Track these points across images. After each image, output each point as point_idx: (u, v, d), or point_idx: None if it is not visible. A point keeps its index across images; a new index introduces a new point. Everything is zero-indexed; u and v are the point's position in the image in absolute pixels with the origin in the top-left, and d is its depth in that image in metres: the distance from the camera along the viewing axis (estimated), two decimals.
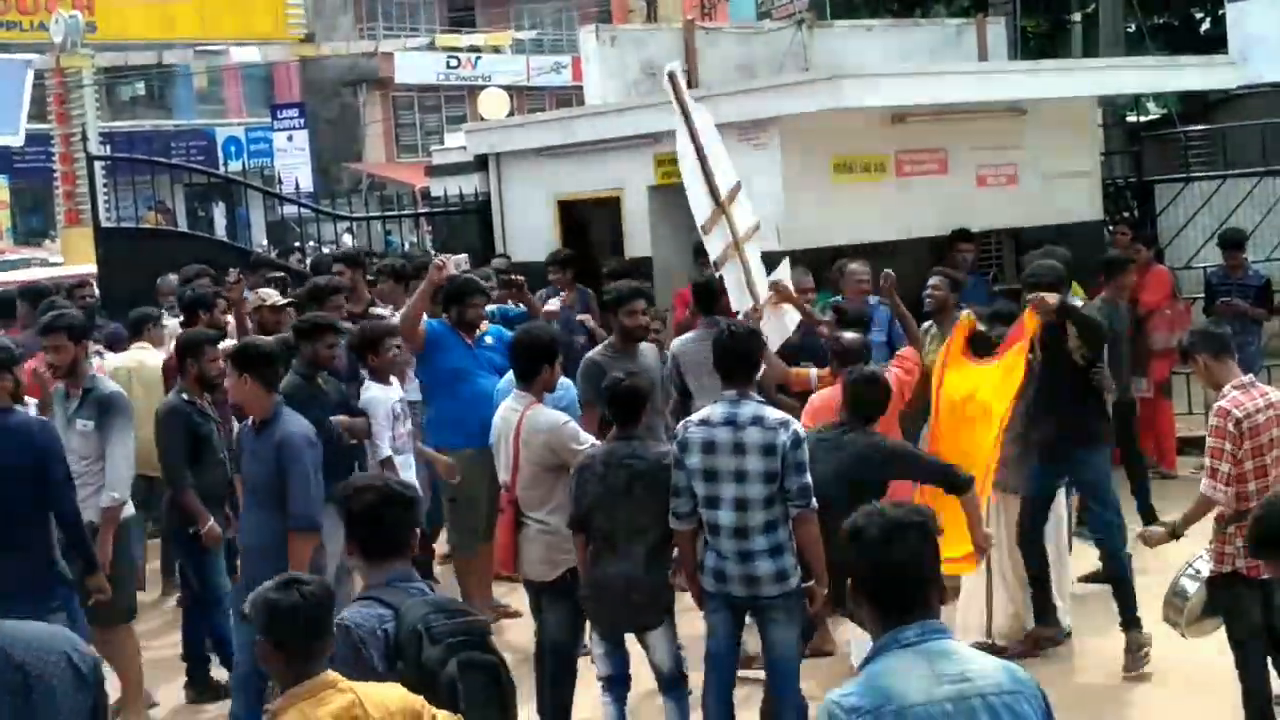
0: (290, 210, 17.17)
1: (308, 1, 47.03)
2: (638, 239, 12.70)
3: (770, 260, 9.46)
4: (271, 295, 10.10)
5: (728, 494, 6.47)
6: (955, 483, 7.10)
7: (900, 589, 3.56)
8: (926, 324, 9.54)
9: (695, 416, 6.71)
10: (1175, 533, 6.90)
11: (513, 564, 7.27)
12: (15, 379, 7.18)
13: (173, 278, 11.95)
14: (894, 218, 11.80)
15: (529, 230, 13.77)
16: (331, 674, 4.25)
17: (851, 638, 7.72)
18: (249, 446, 7.23)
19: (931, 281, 9.59)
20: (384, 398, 8.48)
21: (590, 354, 9.06)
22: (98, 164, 14.90)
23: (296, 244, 16.51)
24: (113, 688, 6.57)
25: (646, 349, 9.03)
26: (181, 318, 10.30)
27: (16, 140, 37.12)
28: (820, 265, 10.70)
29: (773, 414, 6.58)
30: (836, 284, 10.36)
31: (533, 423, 7.20)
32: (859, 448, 7.03)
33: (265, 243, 21.71)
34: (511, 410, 7.35)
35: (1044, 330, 8.03)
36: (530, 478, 7.19)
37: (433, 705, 4.43)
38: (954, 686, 3.44)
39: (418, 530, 5.13)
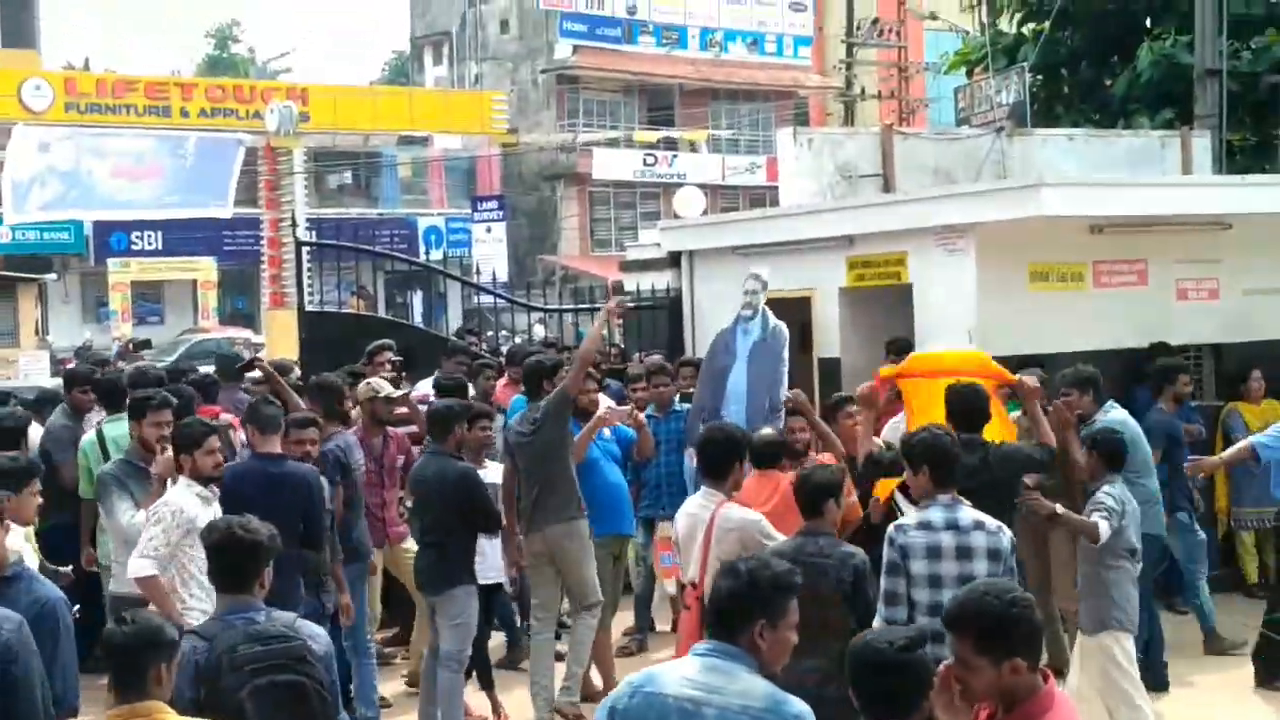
0: (486, 299, 17.49)
1: (511, 98, 48.15)
2: (827, 339, 12.70)
3: None
4: (384, 387, 10.20)
5: None
6: None
7: (713, 612, 4.45)
8: None
9: (910, 520, 6.63)
10: None
11: None
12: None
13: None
14: (1090, 328, 11.61)
15: (719, 326, 13.83)
16: (153, 704, 4.61)
17: None
18: None
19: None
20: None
21: None
22: (304, 249, 15.33)
23: (471, 329, 16.73)
24: None
25: None
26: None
27: (224, 213, 38.54)
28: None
29: (990, 519, 6.58)
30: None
31: (725, 520, 7.24)
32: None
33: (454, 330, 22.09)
34: (702, 507, 7.38)
35: None
36: None
37: None
38: (698, 693, 4.26)
39: (264, 569, 5.45)
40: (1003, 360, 10.46)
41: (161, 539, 7.31)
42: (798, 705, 4.27)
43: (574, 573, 9.26)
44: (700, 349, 13.85)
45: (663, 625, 11.34)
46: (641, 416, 10.38)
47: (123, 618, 4.85)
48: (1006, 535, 6.49)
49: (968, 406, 7.83)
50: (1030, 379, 8.62)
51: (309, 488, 8.06)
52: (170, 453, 8.14)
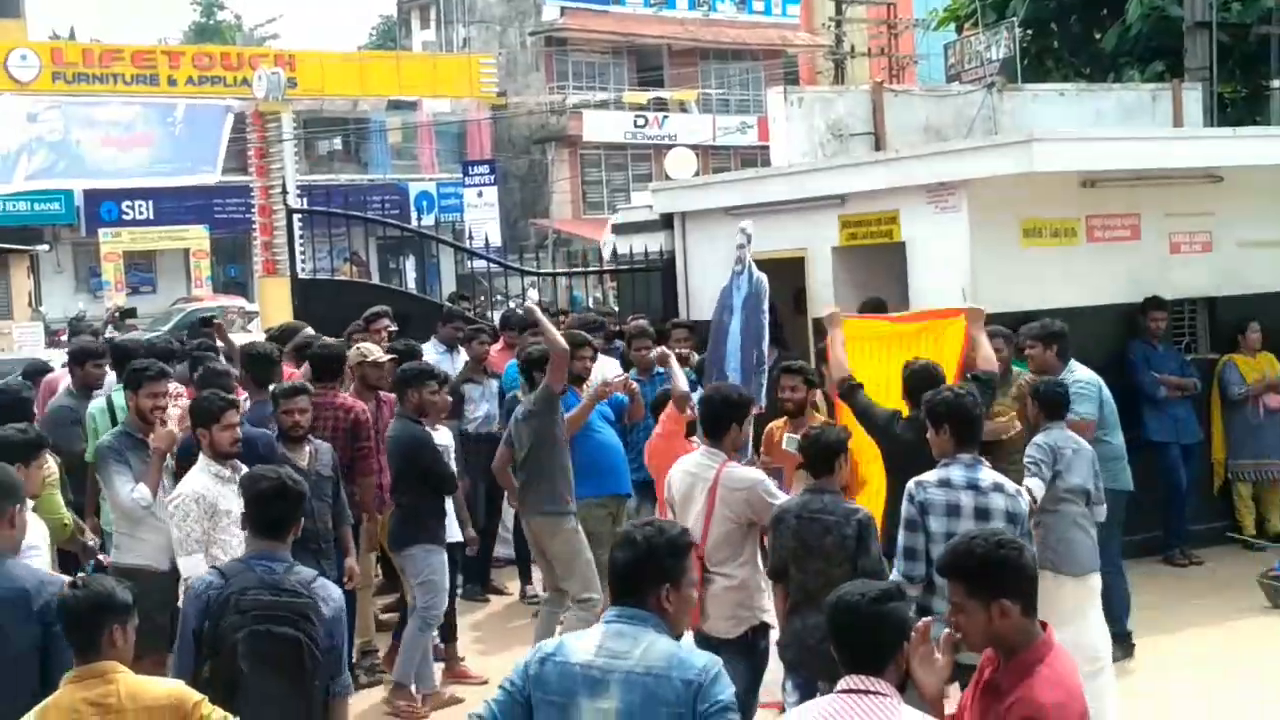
0: (479, 264, 17.49)
1: (500, 61, 47.98)
2: (821, 299, 12.69)
3: None
4: (373, 351, 10.34)
5: None
6: None
7: (616, 581, 4.40)
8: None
9: (931, 478, 6.66)
10: None
11: (696, 619, 7.28)
12: None
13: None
14: (1084, 283, 11.62)
15: (713, 289, 13.80)
16: (107, 665, 4.77)
17: None
18: None
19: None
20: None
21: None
22: (295, 216, 15.29)
23: (463, 294, 16.74)
24: None
25: None
26: None
27: (212, 178, 38.61)
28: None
29: (1009, 482, 6.64)
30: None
31: (731, 479, 7.25)
32: None
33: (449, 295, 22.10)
34: (703, 467, 7.39)
35: None
36: (723, 535, 7.22)
37: (221, 667, 5.32)
38: (606, 659, 4.25)
39: (300, 519, 5.78)
40: (995, 317, 10.50)
41: (196, 530, 7.25)
42: (700, 658, 4.31)
43: (561, 567, 9.36)
44: (694, 311, 13.86)
45: None
46: (634, 385, 10.41)
47: (75, 583, 5.01)
48: (1024, 499, 6.57)
49: (924, 385, 7.76)
50: (976, 307, 8.92)
51: (272, 449, 8.20)
52: (169, 425, 8.14)
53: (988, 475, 6.56)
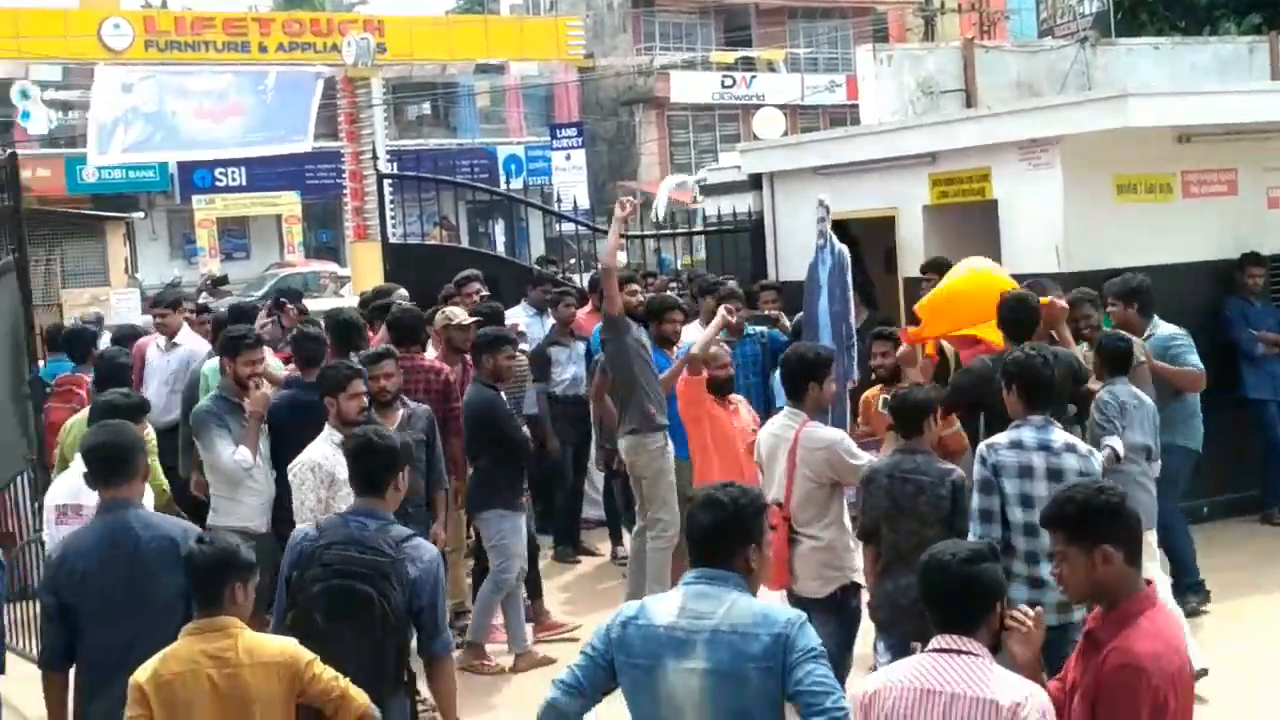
0: (567, 227, 17.53)
1: (587, 23, 47.95)
2: (911, 258, 12.60)
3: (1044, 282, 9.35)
4: (459, 314, 10.37)
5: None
6: None
7: (698, 543, 4.42)
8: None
9: (1003, 439, 6.56)
10: None
11: (786, 580, 7.29)
12: None
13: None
14: (1179, 240, 11.44)
15: (802, 249, 13.75)
16: (228, 619, 4.94)
17: None
18: None
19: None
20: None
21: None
22: (386, 181, 15.39)
23: (550, 258, 16.77)
24: None
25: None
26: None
27: (304, 146, 38.94)
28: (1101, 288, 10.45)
29: (1081, 442, 6.59)
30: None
31: (810, 439, 7.25)
32: None
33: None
34: (785, 427, 7.39)
35: None
36: (805, 495, 7.22)
37: (300, 617, 5.45)
38: (691, 620, 4.28)
39: (397, 474, 5.80)
40: (1089, 275, 10.39)
41: (312, 499, 7.31)
42: (785, 613, 4.33)
43: (641, 486, 9.72)
44: (783, 271, 13.83)
45: None
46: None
47: (202, 538, 5.23)
48: (1097, 459, 6.48)
49: (1019, 316, 7.80)
50: (1059, 300, 8.61)
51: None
52: (266, 389, 8.26)
53: (1060, 436, 6.46)
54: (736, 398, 9.15)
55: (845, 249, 10.51)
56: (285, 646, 5.02)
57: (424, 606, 5.57)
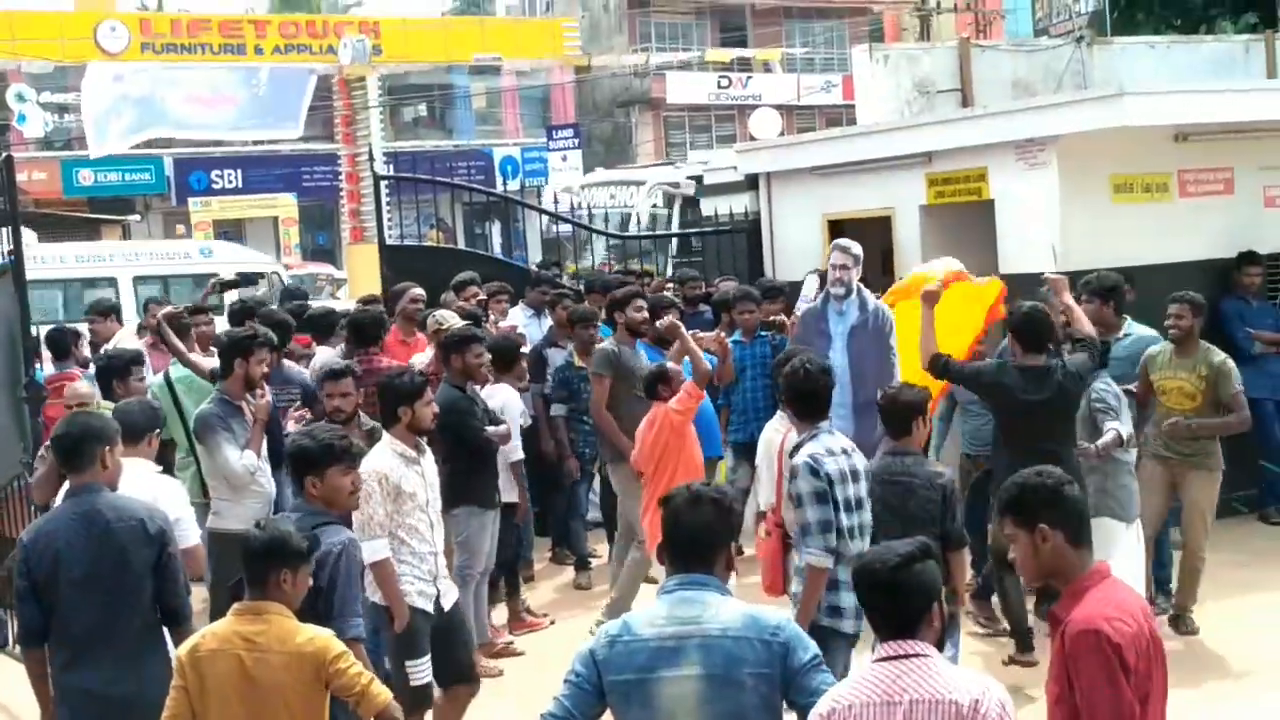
0: (564, 229, 17.51)
1: (583, 23, 47.93)
2: (909, 258, 12.60)
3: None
4: (449, 318, 10.30)
5: None
6: None
7: (686, 543, 4.38)
8: (1158, 347, 9.34)
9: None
10: None
11: (782, 587, 7.25)
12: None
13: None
14: (1176, 239, 11.45)
15: (798, 249, 13.79)
16: (269, 605, 5.09)
17: None
18: None
19: (1174, 310, 9.25)
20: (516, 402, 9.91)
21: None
22: (382, 183, 15.37)
23: (555, 260, 16.77)
24: None
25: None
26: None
27: (295, 133, 39.02)
28: None
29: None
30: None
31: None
32: None
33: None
34: (775, 432, 7.37)
35: None
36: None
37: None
38: (679, 627, 4.24)
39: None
40: (1086, 274, 10.38)
41: (380, 514, 7.04)
42: (772, 615, 4.33)
43: (620, 506, 9.91)
44: (780, 273, 13.81)
45: (752, 549, 11.38)
46: (728, 342, 10.35)
47: (259, 523, 5.36)
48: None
49: (1035, 327, 7.78)
50: (1059, 276, 8.73)
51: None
52: (268, 396, 8.27)
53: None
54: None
55: (888, 310, 9.84)
56: (317, 637, 5.11)
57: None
